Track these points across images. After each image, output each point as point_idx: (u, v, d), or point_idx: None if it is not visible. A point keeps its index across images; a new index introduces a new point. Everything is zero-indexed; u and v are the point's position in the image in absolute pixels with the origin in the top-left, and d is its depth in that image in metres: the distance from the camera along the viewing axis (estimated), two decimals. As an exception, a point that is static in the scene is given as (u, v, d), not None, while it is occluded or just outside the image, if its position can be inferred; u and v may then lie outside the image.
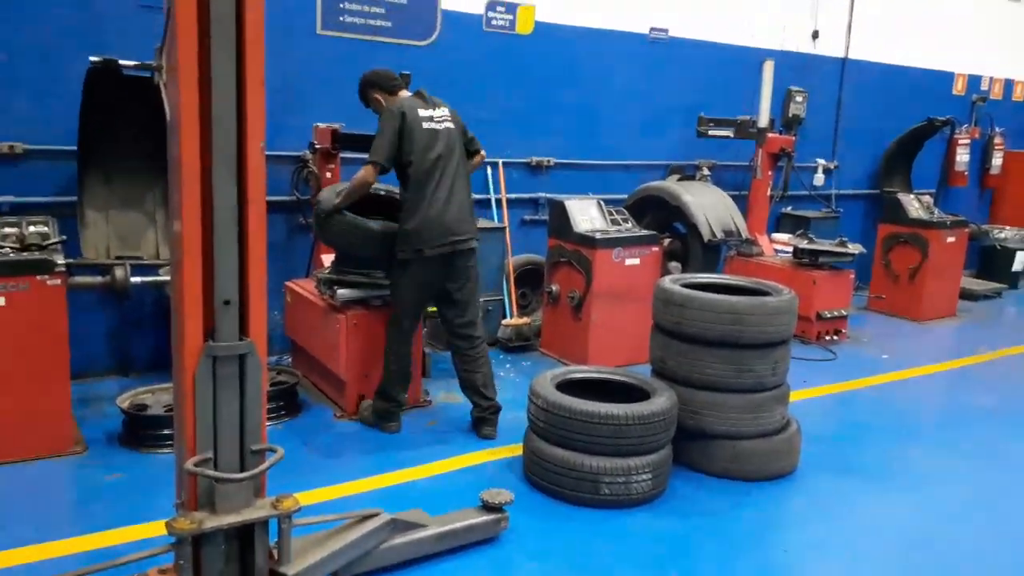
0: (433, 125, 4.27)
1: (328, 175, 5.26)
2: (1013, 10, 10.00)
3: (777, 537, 3.56)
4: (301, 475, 3.79)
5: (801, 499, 3.88)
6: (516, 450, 4.11)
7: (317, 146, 5.24)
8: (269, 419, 4.22)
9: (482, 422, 4.45)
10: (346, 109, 5.31)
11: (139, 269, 4.53)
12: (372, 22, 5.69)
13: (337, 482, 3.79)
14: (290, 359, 5.45)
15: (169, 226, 2.88)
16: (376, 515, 3.01)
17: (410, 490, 3.78)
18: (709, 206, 6.39)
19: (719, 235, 6.27)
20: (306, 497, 3.51)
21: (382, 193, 4.89)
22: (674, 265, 6.60)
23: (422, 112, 4.25)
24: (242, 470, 2.54)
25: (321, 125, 5.27)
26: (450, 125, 4.34)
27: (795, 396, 4.43)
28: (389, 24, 5.75)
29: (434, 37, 5.98)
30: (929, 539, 3.57)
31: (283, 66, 5.24)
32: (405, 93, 4.41)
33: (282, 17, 5.27)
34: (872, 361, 6.22)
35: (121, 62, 4.14)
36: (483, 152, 4.59)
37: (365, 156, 5.34)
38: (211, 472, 2.48)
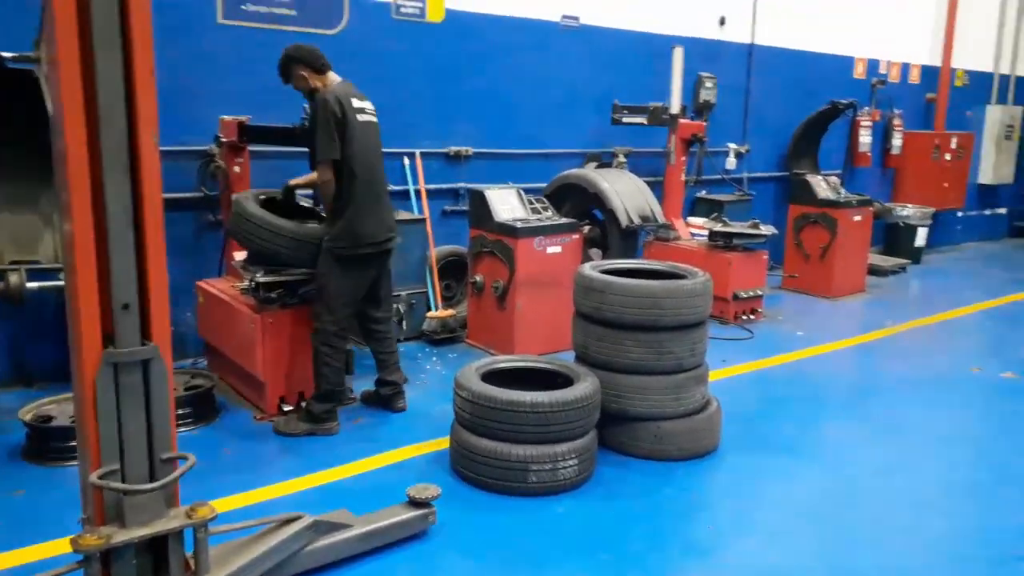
0: (367, 117, 4.24)
1: (236, 169, 5.06)
2: (908, -4, 10.51)
3: (702, 515, 3.60)
4: (221, 481, 3.66)
5: (724, 476, 3.95)
6: (443, 443, 4.07)
7: (223, 140, 5.04)
8: (184, 425, 4.21)
9: (397, 397, 4.64)
10: (254, 100, 5.19)
11: (36, 274, 4.31)
12: (276, 10, 5.51)
13: (260, 486, 3.68)
14: (205, 362, 5.28)
15: (60, 227, 2.72)
16: (298, 518, 2.94)
17: (336, 490, 3.70)
18: (626, 193, 6.45)
19: (636, 221, 6.34)
20: (228, 503, 3.42)
21: (297, 201, 4.77)
22: (595, 252, 6.66)
23: (356, 103, 4.18)
24: (152, 480, 2.44)
25: (227, 118, 5.05)
26: (375, 120, 4.33)
27: (714, 376, 4.54)
28: (294, 13, 5.58)
29: (342, 25, 5.84)
30: (843, 508, 3.65)
31: (184, 58, 5.06)
32: (334, 76, 4.29)
33: (180, 7, 5.06)
34: (788, 338, 6.38)
35: (2, 54, 3.91)
36: None
37: (275, 148, 5.29)
38: (117, 484, 2.36)
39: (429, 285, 6.07)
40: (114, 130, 2.21)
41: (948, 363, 5.91)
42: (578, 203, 6.65)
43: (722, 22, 8.35)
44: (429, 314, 5.97)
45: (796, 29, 9.07)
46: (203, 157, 5.21)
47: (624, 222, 6.28)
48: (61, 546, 3.05)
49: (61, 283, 4.33)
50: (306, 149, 4.23)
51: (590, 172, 6.67)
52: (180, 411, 4.08)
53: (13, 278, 4.14)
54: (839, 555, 3.27)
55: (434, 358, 5.65)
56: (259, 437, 4.28)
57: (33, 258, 4.46)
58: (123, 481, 2.39)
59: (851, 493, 3.81)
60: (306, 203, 4.87)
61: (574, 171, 6.78)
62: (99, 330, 2.31)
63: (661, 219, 6.62)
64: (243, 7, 5.39)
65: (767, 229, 6.74)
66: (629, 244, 6.51)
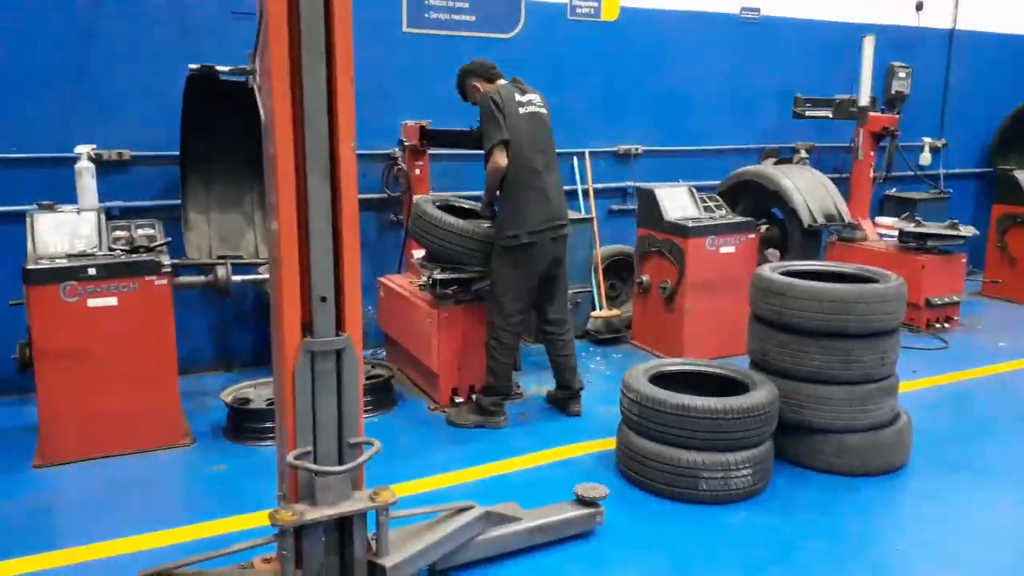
0: (530, 108, 4.36)
1: (417, 172, 5.32)
2: None
3: (887, 537, 3.39)
4: (396, 467, 3.82)
5: (912, 497, 3.72)
6: (609, 444, 4.05)
7: (406, 143, 5.31)
8: (366, 412, 4.25)
9: (570, 400, 4.60)
10: (433, 106, 5.40)
11: (239, 268, 4.69)
12: (456, 17, 5.73)
13: (431, 474, 3.82)
14: (384, 352, 5.53)
15: (267, 225, 2.98)
16: (470, 508, 3.04)
17: (503, 483, 3.78)
18: (808, 190, 6.19)
19: (820, 220, 6.07)
20: (401, 489, 3.51)
21: (466, 206, 4.96)
22: (772, 252, 6.41)
23: (517, 96, 4.34)
24: (340, 463, 2.61)
25: (409, 122, 5.32)
26: (544, 111, 4.45)
27: (904, 388, 4.22)
28: (473, 18, 5.78)
29: (518, 28, 5.97)
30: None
31: (371, 65, 5.29)
32: (503, 81, 4.44)
33: (370, 16, 5.30)
34: (988, 349, 5.92)
35: (218, 68, 4.31)
36: None
37: (451, 152, 5.47)
38: (311, 465, 2.55)
39: (594, 284, 6.09)
40: (317, 136, 2.39)
41: None
42: (754, 201, 6.43)
43: (919, 7, 7.73)
44: (593, 313, 5.99)
45: (1007, 10, 8.23)
46: (387, 160, 5.48)
47: (807, 221, 6.03)
48: (257, 519, 3.29)
49: (261, 277, 4.75)
50: (480, 151, 4.38)
51: (768, 168, 6.48)
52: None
53: (220, 271, 4.55)
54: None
55: (598, 357, 5.66)
56: (432, 427, 4.45)
57: (236, 253, 4.90)
58: (315, 462, 2.58)
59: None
60: (469, 204, 5.02)
61: (751, 167, 6.59)
62: (299, 321, 2.51)
63: (847, 218, 6.30)
64: (426, 15, 5.65)
65: (966, 230, 6.29)
66: (811, 245, 6.28)
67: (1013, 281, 7.34)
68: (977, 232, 6.47)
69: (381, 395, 4.66)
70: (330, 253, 2.48)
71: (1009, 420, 4.63)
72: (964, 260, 6.48)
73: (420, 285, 4.80)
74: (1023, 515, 3.56)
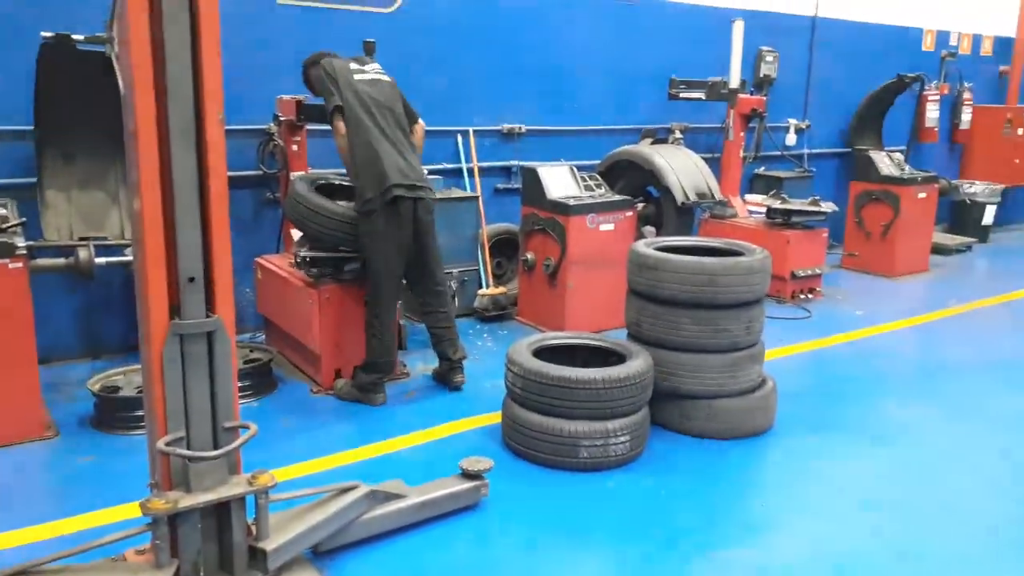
0: (370, 76, 4.39)
1: (294, 147, 5.16)
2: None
3: (755, 493, 3.59)
4: (279, 451, 3.77)
5: (778, 456, 3.92)
6: (495, 418, 4.13)
7: (282, 118, 5.14)
8: (244, 397, 4.32)
9: (452, 371, 4.62)
10: (310, 80, 5.27)
11: (104, 250, 4.44)
12: (333, -11, 5.63)
13: (316, 456, 3.77)
14: (264, 336, 5.42)
15: (130, 204, 2.82)
16: (355, 487, 3.02)
17: (390, 461, 3.77)
18: (682, 169, 6.37)
19: (692, 198, 6.26)
20: (285, 472, 3.51)
21: (346, 184, 4.81)
22: (649, 229, 6.59)
23: (354, 66, 4.40)
24: (215, 448, 2.54)
25: (285, 97, 5.14)
26: (385, 78, 4.47)
27: (770, 355, 4.48)
28: (350, -9, 5.70)
29: (398, 3, 5.85)
30: (904, 491, 3.60)
31: (244, 38, 5.14)
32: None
33: (241, -13, 5.20)
34: (847, 318, 6.29)
35: (74, 37, 4.04)
36: (422, 122, 4.64)
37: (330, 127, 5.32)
38: (183, 451, 2.47)
39: (480, 263, 6.09)
40: (181, 106, 2.29)
41: (1014, 345, 5.78)
42: (632, 180, 6.57)
43: (784, -7, 8.17)
44: (480, 291, 6.01)
45: (863, 1, 8.81)
46: (262, 136, 5.30)
47: (680, 199, 6.20)
48: (130, 510, 3.16)
49: (128, 259, 4.50)
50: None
51: (645, 148, 6.62)
52: (240, 383, 4.10)
53: (83, 254, 4.29)
54: (899, 538, 3.23)
55: (485, 335, 5.71)
56: (316, 409, 4.38)
57: (100, 235, 4.60)
58: (188, 448, 2.50)
59: (912, 476, 3.75)
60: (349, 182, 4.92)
61: (628, 147, 6.70)
62: (166, 302, 2.41)
63: (718, 196, 6.49)
64: (301, -13, 5.53)
65: (827, 206, 6.65)
66: (684, 221, 6.44)
67: (869, 254, 7.84)
68: (837, 208, 6.86)
69: (261, 379, 4.55)
70: (198, 231, 2.39)
71: (864, 382, 4.93)
72: (826, 235, 6.84)
73: (292, 264, 4.71)
74: (877, 467, 3.82)
